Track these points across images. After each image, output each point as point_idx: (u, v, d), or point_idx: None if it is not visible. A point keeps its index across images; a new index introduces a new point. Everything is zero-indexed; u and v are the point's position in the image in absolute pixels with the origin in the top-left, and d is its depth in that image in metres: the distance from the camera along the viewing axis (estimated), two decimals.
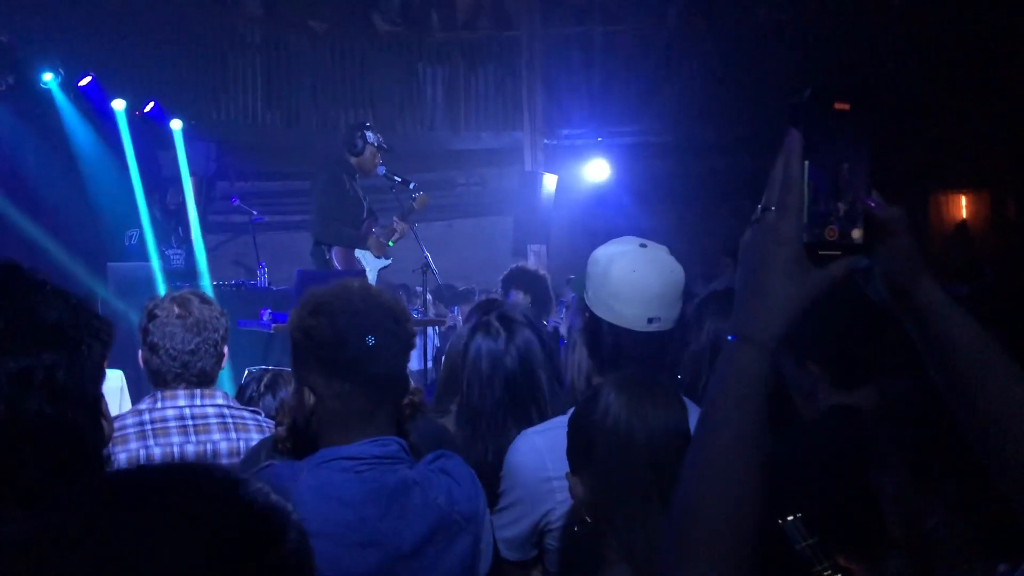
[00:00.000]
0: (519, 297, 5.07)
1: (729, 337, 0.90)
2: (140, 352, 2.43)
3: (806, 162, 0.88)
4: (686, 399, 1.71)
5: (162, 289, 6.26)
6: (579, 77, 10.35)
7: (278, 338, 5.46)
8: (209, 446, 2.37)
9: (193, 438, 2.36)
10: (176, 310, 2.40)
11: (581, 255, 2.18)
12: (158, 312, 2.40)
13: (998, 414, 0.95)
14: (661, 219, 8.78)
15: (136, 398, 3.01)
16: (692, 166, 10.37)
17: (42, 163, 7.63)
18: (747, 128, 9.31)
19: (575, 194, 10.03)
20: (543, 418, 2.20)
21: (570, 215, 9.87)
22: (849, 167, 0.90)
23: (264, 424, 2.46)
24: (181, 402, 2.38)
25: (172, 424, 2.35)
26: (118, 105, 7.78)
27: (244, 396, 2.81)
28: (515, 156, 10.25)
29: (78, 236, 7.36)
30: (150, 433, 2.32)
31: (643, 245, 2.04)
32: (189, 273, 7.59)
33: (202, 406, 2.40)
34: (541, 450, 1.95)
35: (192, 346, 2.38)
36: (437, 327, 7.39)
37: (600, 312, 2.00)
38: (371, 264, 6.04)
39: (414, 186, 6.19)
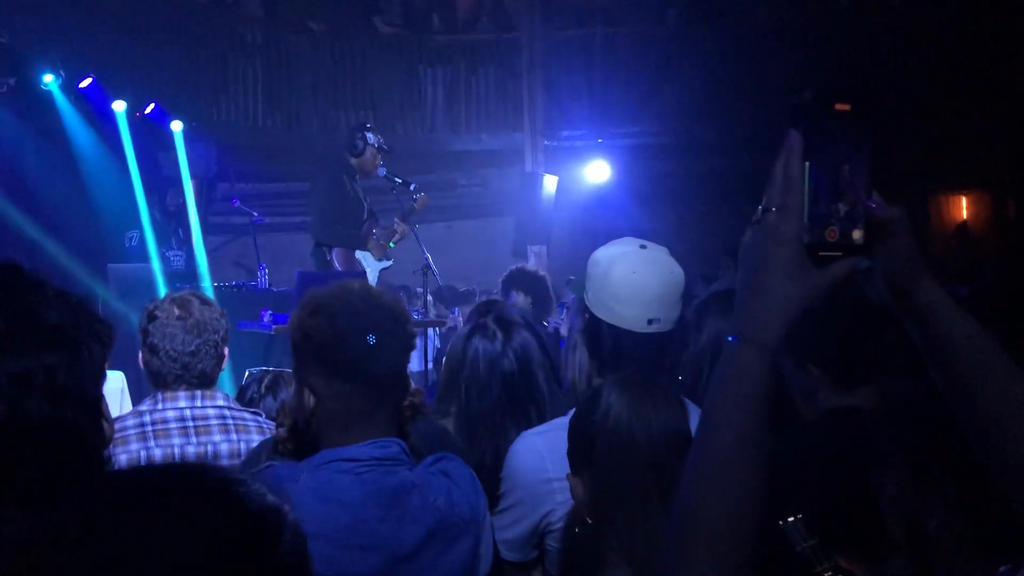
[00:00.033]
0: (519, 298, 5.07)
1: (730, 338, 0.90)
2: (140, 353, 2.43)
3: (807, 163, 0.88)
4: (687, 400, 1.71)
5: (163, 290, 6.26)
6: (579, 78, 10.34)
7: (279, 339, 5.46)
8: (210, 447, 2.37)
9: (194, 439, 2.36)
10: (176, 312, 2.40)
11: (582, 256, 2.18)
12: (158, 314, 2.40)
13: (998, 414, 0.95)
14: (661, 220, 8.78)
15: (137, 399, 3.02)
16: (692, 167, 10.37)
17: (43, 164, 7.63)
18: (747, 129, 9.31)
19: (575, 195, 10.03)
20: (542, 419, 2.20)
21: (571, 216, 9.87)
22: (850, 168, 0.90)
23: (265, 425, 2.46)
24: (182, 403, 2.39)
25: (173, 425, 2.36)
26: (118, 106, 7.79)
27: (245, 397, 2.81)
28: (516, 157, 10.26)
29: (79, 237, 7.36)
30: (151, 434, 2.32)
31: (643, 246, 2.04)
32: (190, 274, 7.58)
33: (203, 407, 2.40)
34: (541, 451, 1.95)
35: (192, 347, 2.38)
36: (438, 328, 7.39)
37: (600, 313, 2.00)
38: (372, 265, 6.04)
39: (415, 187, 6.19)
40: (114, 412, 1.62)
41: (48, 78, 7.25)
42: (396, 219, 6.21)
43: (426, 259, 6.26)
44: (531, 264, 7.22)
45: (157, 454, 2.30)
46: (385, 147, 6.15)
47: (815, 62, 9.36)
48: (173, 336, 2.37)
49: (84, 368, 1.22)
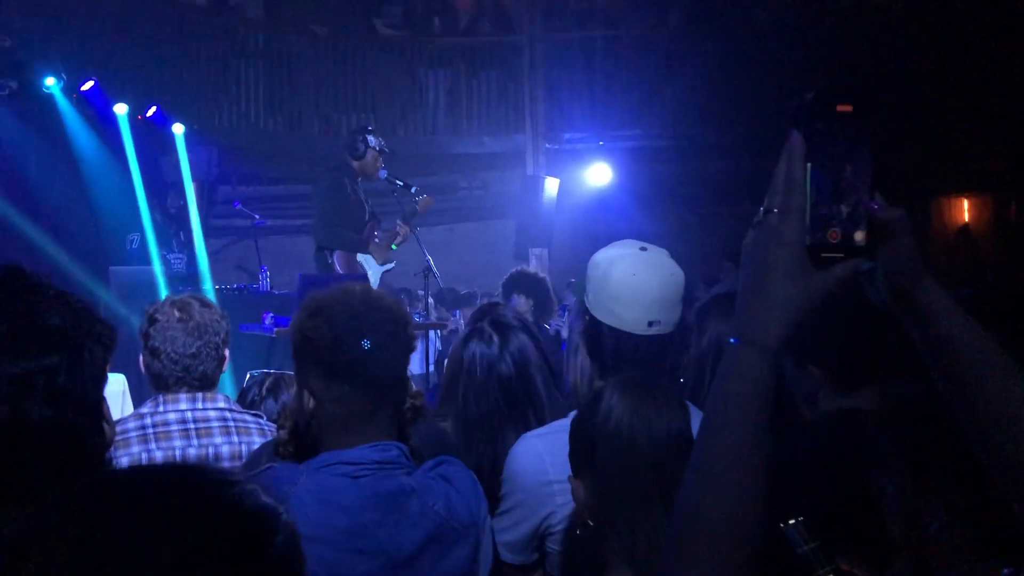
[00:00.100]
0: (520, 301, 5.08)
1: (731, 340, 0.90)
2: (141, 356, 2.43)
3: (808, 164, 0.88)
4: (688, 403, 1.71)
5: (164, 293, 6.26)
6: (580, 81, 10.35)
7: (280, 342, 5.47)
8: (211, 450, 2.37)
9: (195, 442, 2.36)
10: (177, 314, 2.40)
11: (583, 258, 2.18)
12: (159, 316, 2.40)
13: (998, 414, 0.95)
14: (662, 222, 8.79)
15: (138, 402, 3.02)
16: (693, 169, 10.38)
17: (44, 167, 7.65)
18: (748, 130, 9.31)
19: (577, 198, 10.04)
20: (541, 421, 2.20)
21: (572, 219, 9.88)
22: (851, 169, 0.90)
23: (266, 428, 2.46)
24: (183, 406, 2.39)
25: (174, 428, 2.36)
26: (120, 109, 7.80)
27: (246, 400, 2.81)
28: (517, 160, 10.27)
29: (80, 240, 7.37)
30: (152, 437, 2.32)
31: (643, 248, 2.04)
32: (191, 277, 7.59)
33: (204, 409, 2.40)
34: (541, 453, 1.95)
35: (193, 350, 2.38)
36: (439, 331, 7.39)
37: (600, 315, 2.00)
38: (374, 267, 6.04)
39: (416, 190, 6.20)
40: (116, 415, 1.62)
41: (50, 81, 7.27)
42: (398, 221, 6.21)
43: (427, 262, 6.26)
44: (532, 267, 7.24)
45: (158, 456, 2.30)
46: (386, 149, 6.16)
47: (815, 62, 9.35)
48: (174, 338, 2.37)
49: (85, 370, 1.22)
